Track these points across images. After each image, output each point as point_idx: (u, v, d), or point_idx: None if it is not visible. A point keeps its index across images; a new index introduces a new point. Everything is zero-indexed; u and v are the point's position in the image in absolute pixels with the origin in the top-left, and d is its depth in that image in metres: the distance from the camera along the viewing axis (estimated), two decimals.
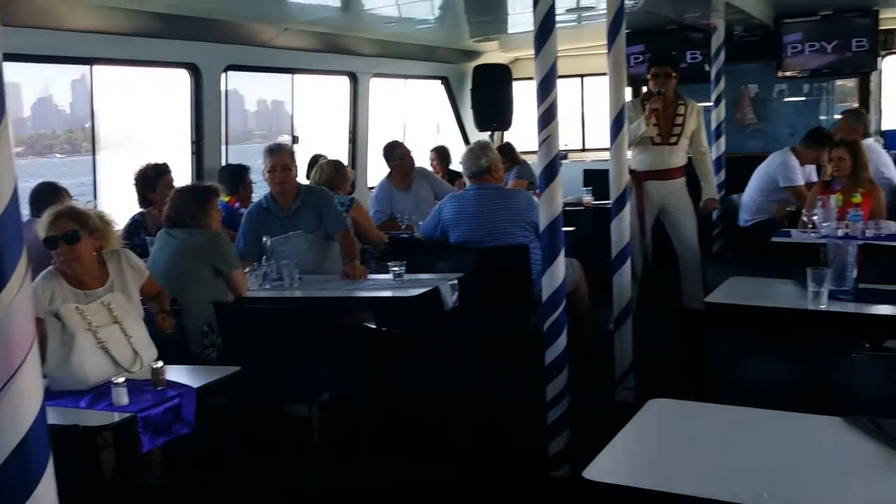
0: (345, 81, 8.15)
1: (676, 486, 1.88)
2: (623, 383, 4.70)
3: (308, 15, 6.57)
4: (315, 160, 6.37)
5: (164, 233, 4.35)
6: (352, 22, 7.24)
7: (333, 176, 5.73)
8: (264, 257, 4.74)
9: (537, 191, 8.72)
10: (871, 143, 6.39)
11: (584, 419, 3.93)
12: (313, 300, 4.44)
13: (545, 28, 3.65)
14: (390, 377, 4.74)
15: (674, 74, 6.06)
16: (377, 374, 4.67)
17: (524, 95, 10.33)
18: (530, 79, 10.58)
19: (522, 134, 9.27)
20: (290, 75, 7.50)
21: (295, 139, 7.72)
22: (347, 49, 7.84)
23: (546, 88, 3.69)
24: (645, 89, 6.21)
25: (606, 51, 4.59)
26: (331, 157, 6.41)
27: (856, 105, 8.16)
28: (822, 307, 3.38)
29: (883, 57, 8.61)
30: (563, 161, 9.99)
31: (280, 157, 4.93)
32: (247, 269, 4.60)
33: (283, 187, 4.93)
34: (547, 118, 3.71)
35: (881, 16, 8.15)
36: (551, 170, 3.76)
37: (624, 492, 1.88)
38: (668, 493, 1.84)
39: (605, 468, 1.98)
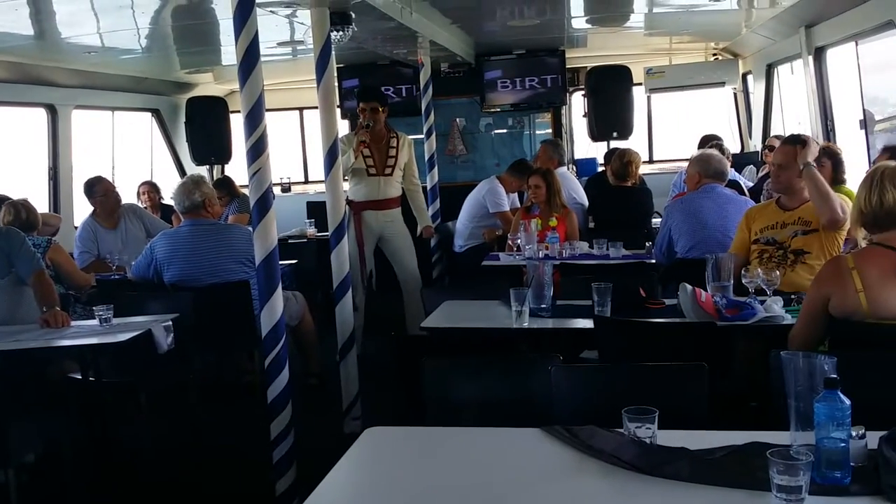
0: (42, 114, 7.53)
1: None
2: (350, 413, 4.72)
3: None
4: None
5: None
6: (48, 51, 6.70)
7: (30, 216, 5.25)
8: None
9: None
10: (564, 171, 6.99)
11: (312, 453, 3.86)
12: (7, 353, 4.00)
13: (249, 61, 3.59)
14: (102, 431, 4.38)
15: (381, 109, 6.26)
16: (86, 428, 4.31)
17: (240, 128, 10.16)
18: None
19: (242, 167, 9.09)
20: None
21: None
22: (45, 79, 7.25)
23: (254, 121, 3.64)
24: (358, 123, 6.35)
25: (315, 84, 4.60)
26: (34, 196, 5.88)
27: (553, 135, 8.90)
28: (525, 325, 3.61)
29: (571, 92, 9.51)
30: (286, 193, 10.05)
31: None
32: None
33: None
34: (256, 151, 3.66)
35: (567, 55, 9.00)
36: (264, 203, 3.70)
37: None
38: None
39: (320, 501, 1.96)
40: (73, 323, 4.43)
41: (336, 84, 8.37)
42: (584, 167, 9.25)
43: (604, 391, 2.58)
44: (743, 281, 3.71)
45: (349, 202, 6.32)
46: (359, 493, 2.11)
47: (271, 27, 5.83)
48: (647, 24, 8.17)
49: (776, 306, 3.47)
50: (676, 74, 9.11)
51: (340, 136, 5.02)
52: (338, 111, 8.42)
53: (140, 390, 4.51)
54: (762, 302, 3.53)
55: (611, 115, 8.69)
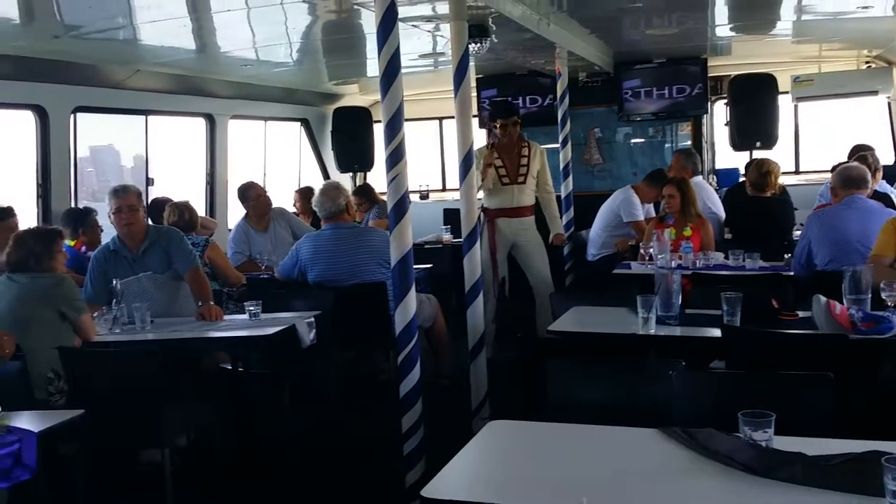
0: (201, 123, 8.11)
1: (506, 497, 2.02)
2: (479, 413, 4.83)
3: (162, 57, 6.52)
4: (158, 203, 6.29)
5: (6, 278, 4.21)
6: (208, 64, 7.23)
7: (188, 217, 5.70)
8: (114, 301, 4.65)
9: None
10: (699, 181, 6.89)
11: (441, 449, 4.03)
12: (166, 342, 4.37)
13: (390, 72, 3.80)
14: (249, 417, 4.71)
15: (518, 121, 6.42)
16: (235, 414, 4.64)
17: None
18: None
19: (384, 175, 9.43)
20: (143, 117, 7.38)
21: (150, 181, 7.59)
22: (204, 90, 7.81)
23: (393, 130, 3.84)
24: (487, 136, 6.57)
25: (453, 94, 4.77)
26: (193, 200, 6.36)
27: (692, 144, 8.77)
28: (651, 331, 3.64)
29: (713, 101, 9.33)
30: (425, 200, 10.34)
31: (126, 199, 4.87)
32: (95, 314, 4.49)
33: (130, 228, 4.86)
34: (394, 158, 3.86)
35: (710, 63, 8.85)
36: (400, 208, 3.89)
37: None
38: None
39: (442, 486, 2.10)
40: (225, 317, 4.79)
41: (473, 95, 8.63)
42: (726, 177, 9.05)
43: (724, 398, 2.60)
44: (882, 295, 3.60)
45: (483, 210, 6.48)
46: (479, 480, 2.24)
47: (413, 40, 6.08)
48: (795, 31, 7.93)
49: None
50: (826, 83, 8.77)
51: (476, 147, 5.17)
52: (475, 121, 8.69)
53: (284, 381, 4.81)
54: None
55: (753, 125, 8.46)
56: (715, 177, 9.26)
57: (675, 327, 3.77)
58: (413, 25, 5.12)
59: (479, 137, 7.53)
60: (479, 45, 4.98)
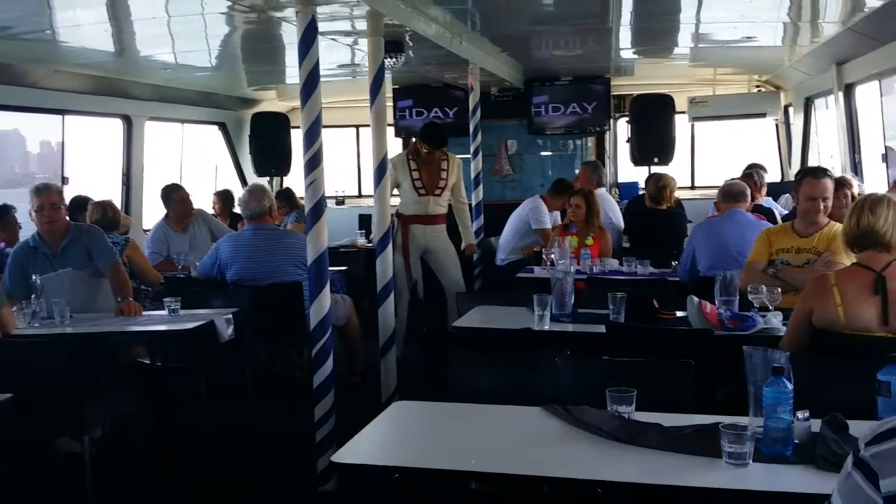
0: (118, 124, 8.17)
1: (406, 461, 2.32)
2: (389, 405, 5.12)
3: (80, 58, 6.59)
4: (77, 201, 6.37)
5: None
6: (126, 66, 7.30)
7: (111, 215, 5.83)
8: (33, 295, 4.76)
9: None
10: (602, 192, 7.36)
11: (352, 437, 4.31)
12: (85, 336, 4.52)
13: (310, 85, 4.07)
14: (166, 410, 4.88)
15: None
16: (152, 407, 4.81)
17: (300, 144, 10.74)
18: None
19: (300, 180, 9.64)
20: (60, 116, 7.42)
21: (65, 180, 7.62)
22: (122, 92, 7.86)
23: (311, 138, 4.11)
24: (411, 143, 6.81)
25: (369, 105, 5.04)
26: (108, 198, 6.45)
27: (595, 159, 9.27)
28: (546, 327, 4.01)
29: (617, 118, 9.87)
30: (341, 206, 10.59)
31: (48, 197, 4.97)
32: (14, 308, 4.60)
33: (52, 226, 4.97)
34: (312, 164, 4.13)
35: (614, 82, 9.39)
36: (317, 211, 4.16)
37: (362, 469, 2.29)
38: (394, 467, 2.27)
39: (350, 453, 2.39)
40: (144, 313, 4.95)
41: (387, 106, 8.92)
42: (627, 190, 9.57)
43: (601, 381, 2.94)
44: (749, 297, 4.03)
45: (398, 214, 6.77)
46: (383, 448, 2.54)
47: (333, 51, 6.33)
48: (693, 56, 8.50)
49: (775, 320, 3.80)
50: (719, 104, 9.40)
51: (390, 156, 5.44)
52: (391, 130, 8.95)
53: (200, 376, 4.99)
54: (763, 316, 3.86)
55: (652, 142, 9.03)
56: (617, 189, 9.79)
57: (568, 324, 4.15)
58: (332, 39, 5.38)
59: (395, 146, 7.81)
60: (394, 59, 5.28)
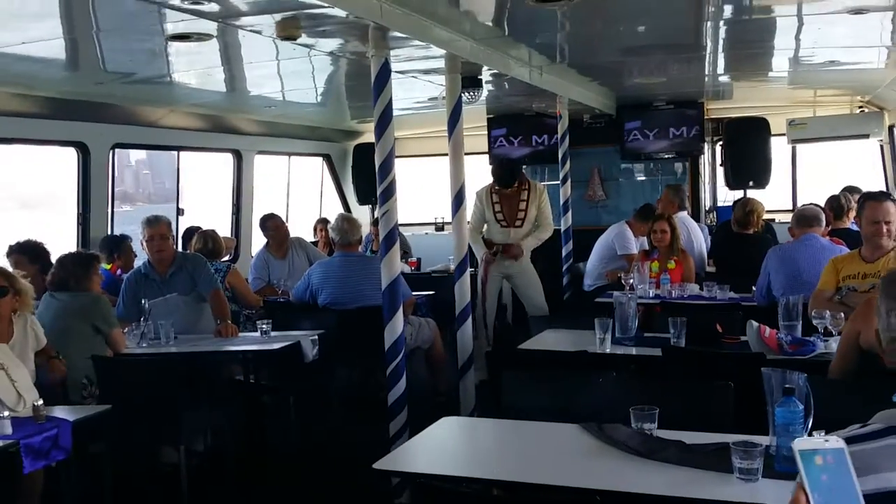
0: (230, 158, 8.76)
1: (438, 469, 2.53)
2: None
3: (194, 98, 7.17)
4: (189, 231, 6.90)
5: (49, 295, 4.81)
6: (236, 104, 7.87)
7: (215, 245, 6.31)
8: (142, 318, 5.23)
9: (411, 259, 9.38)
10: (685, 217, 7.37)
11: None
12: (187, 355, 4.96)
13: (384, 120, 4.38)
14: (258, 424, 5.24)
15: (518, 185, 6.93)
16: (245, 421, 5.18)
17: (403, 171, 11.15)
18: (411, 156, 11.25)
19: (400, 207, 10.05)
20: (175, 152, 8.05)
21: (180, 211, 8.22)
22: (232, 128, 8.45)
23: (385, 171, 4.40)
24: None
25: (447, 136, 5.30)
26: (219, 228, 6.97)
27: (687, 183, 9.26)
28: (607, 350, 4.14)
29: (715, 142, 9.81)
30: (441, 232, 10.88)
31: (158, 228, 5.47)
32: (126, 329, 5.08)
33: (161, 255, 5.46)
34: (386, 195, 4.42)
35: (710, 106, 9.36)
36: (390, 239, 4.44)
37: (401, 476, 2.51)
38: (432, 475, 2.49)
39: (390, 462, 2.62)
40: (240, 334, 5.36)
41: (479, 135, 9.13)
42: (725, 215, 9.48)
43: (639, 401, 3.08)
44: (813, 322, 4.05)
45: (484, 240, 6.98)
46: (419, 458, 2.75)
47: (420, 87, 6.65)
48: (791, 78, 8.41)
49: (836, 345, 3.80)
50: (820, 126, 9.21)
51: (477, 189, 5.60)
52: (486, 158, 9.17)
53: (289, 393, 5.35)
54: (825, 341, 3.87)
55: (747, 165, 8.96)
56: (715, 214, 9.71)
57: (632, 347, 4.26)
58: (412, 77, 5.69)
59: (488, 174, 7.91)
60: (471, 94, 5.53)
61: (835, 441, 1.26)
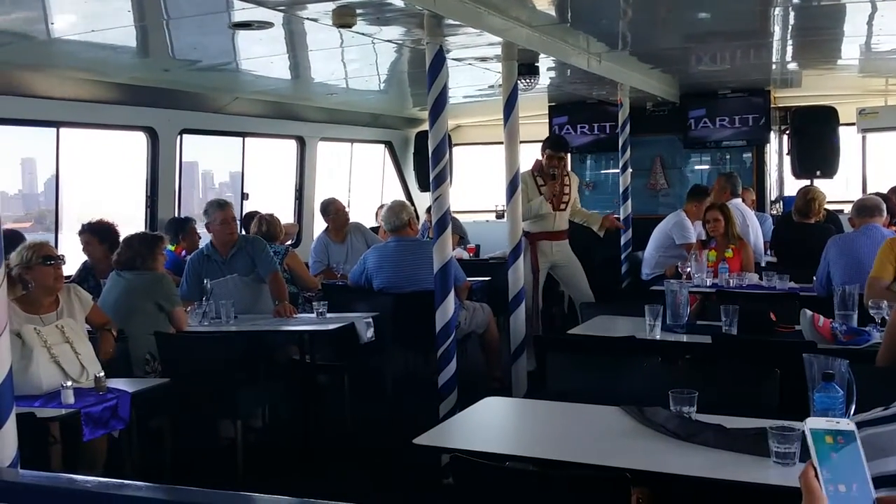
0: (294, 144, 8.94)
1: (477, 446, 2.58)
2: None
3: (259, 86, 7.33)
4: (249, 216, 7.08)
5: (115, 274, 5.00)
6: (300, 91, 8.01)
7: (270, 228, 6.47)
8: (205, 297, 5.40)
9: (469, 245, 9.41)
10: (739, 204, 7.23)
11: None
12: (246, 334, 5.12)
13: (437, 107, 4.43)
14: (314, 403, 5.38)
15: (563, 157, 6.95)
16: (300, 398, 5.32)
17: (464, 159, 11.21)
18: (472, 144, 11.32)
19: (461, 194, 10.13)
20: (240, 138, 8.24)
21: (245, 195, 8.42)
22: (296, 115, 8.61)
23: (438, 157, 4.47)
24: (535, 161, 6.98)
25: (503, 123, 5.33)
26: (283, 214, 7.16)
27: (752, 173, 9.09)
28: (657, 337, 4.13)
29: (783, 131, 9.60)
30: (501, 220, 10.89)
31: (229, 211, 5.69)
32: (188, 308, 5.25)
33: (231, 237, 5.66)
34: (438, 181, 4.49)
35: (777, 94, 9.16)
36: (442, 223, 4.51)
37: (443, 451, 2.58)
38: (472, 451, 2.54)
39: (429, 439, 2.68)
40: (296, 315, 5.50)
41: (546, 122, 9.06)
42: (791, 204, 9.28)
43: (684, 386, 3.08)
44: (870, 312, 3.98)
45: (525, 233, 6.95)
46: (460, 436, 2.81)
47: (481, 75, 6.67)
48: (861, 66, 8.19)
49: None
50: (891, 115, 8.92)
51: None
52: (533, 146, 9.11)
53: (344, 372, 5.46)
54: (881, 331, 3.79)
55: (814, 154, 8.75)
56: (781, 204, 9.52)
57: (682, 335, 4.25)
58: (469, 64, 5.73)
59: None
60: (528, 81, 5.54)
61: (846, 423, 1.28)
